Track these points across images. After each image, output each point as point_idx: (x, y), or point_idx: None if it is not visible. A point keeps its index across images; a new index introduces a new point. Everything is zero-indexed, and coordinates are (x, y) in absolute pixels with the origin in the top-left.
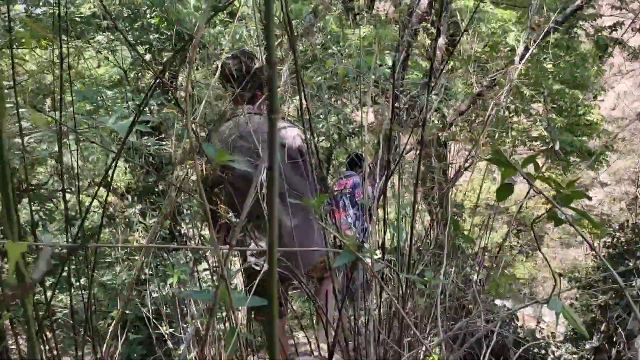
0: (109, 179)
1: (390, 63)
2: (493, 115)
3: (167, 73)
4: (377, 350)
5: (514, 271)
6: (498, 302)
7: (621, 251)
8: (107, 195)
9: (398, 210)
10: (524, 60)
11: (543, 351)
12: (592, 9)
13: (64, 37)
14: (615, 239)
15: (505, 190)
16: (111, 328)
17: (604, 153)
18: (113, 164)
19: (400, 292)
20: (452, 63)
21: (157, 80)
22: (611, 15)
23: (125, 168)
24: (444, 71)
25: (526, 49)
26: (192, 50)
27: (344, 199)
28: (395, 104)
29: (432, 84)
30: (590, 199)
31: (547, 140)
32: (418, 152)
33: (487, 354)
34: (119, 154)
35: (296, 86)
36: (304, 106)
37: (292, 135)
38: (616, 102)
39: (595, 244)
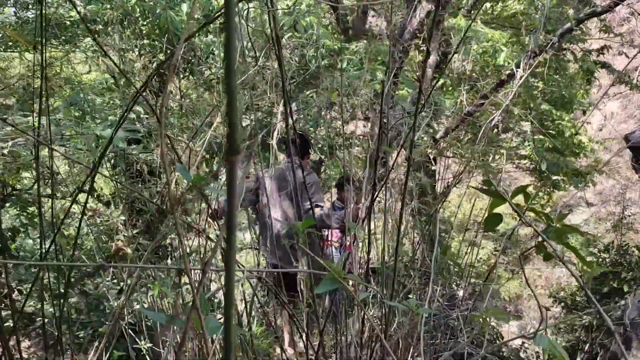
0: (88, 186)
1: (381, 78)
2: (485, 134)
3: (154, 81)
4: None
5: (500, 288)
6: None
7: (606, 272)
8: (86, 202)
9: (383, 229)
10: (519, 83)
11: None
12: (581, 32)
13: (53, 41)
14: (600, 260)
15: (494, 220)
16: (96, 344)
17: (591, 172)
18: (94, 172)
19: (383, 313)
20: (443, 81)
21: (138, 94)
22: (599, 39)
23: (111, 176)
24: (434, 89)
25: (521, 70)
26: (171, 71)
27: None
28: (384, 121)
29: (421, 105)
30: (583, 234)
31: (534, 160)
32: (406, 169)
33: None
34: (98, 164)
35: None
36: (289, 119)
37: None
38: (603, 123)
39: (579, 264)
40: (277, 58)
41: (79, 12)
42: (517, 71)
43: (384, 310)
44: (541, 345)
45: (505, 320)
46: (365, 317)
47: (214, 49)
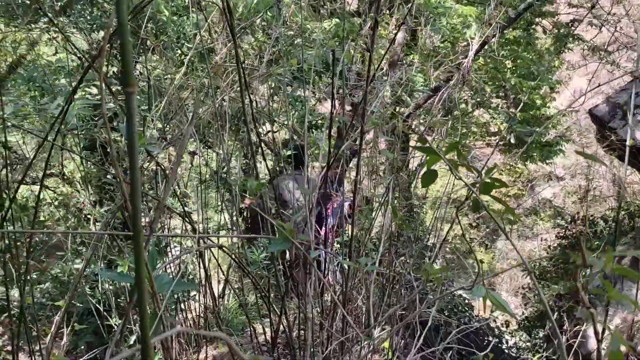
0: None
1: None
2: (450, 106)
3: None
4: (320, 337)
5: (473, 262)
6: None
7: (572, 242)
8: (42, 178)
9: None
10: (472, 52)
11: (496, 339)
12: (550, 6)
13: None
14: (567, 231)
15: (430, 177)
16: (57, 318)
17: (559, 143)
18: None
19: (345, 280)
20: (412, 57)
21: (89, 67)
22: (568, 13)
23: (82, 158)
24: (403, 64)
25: (483, 43)
26: (104, 42)
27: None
28: (355, 96)
29: (371, 80)
30: (507, 186)
31: (504, 135)
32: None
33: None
34: (53, 137)
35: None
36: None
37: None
38: (572, 98)
39: (549, 236)
40: (230, 31)
41: None
42: (472, 41)
43: (346, 279)
44: (479, 295)
45: (447, 274)
46: (317, 277)
47: (186, 27)
